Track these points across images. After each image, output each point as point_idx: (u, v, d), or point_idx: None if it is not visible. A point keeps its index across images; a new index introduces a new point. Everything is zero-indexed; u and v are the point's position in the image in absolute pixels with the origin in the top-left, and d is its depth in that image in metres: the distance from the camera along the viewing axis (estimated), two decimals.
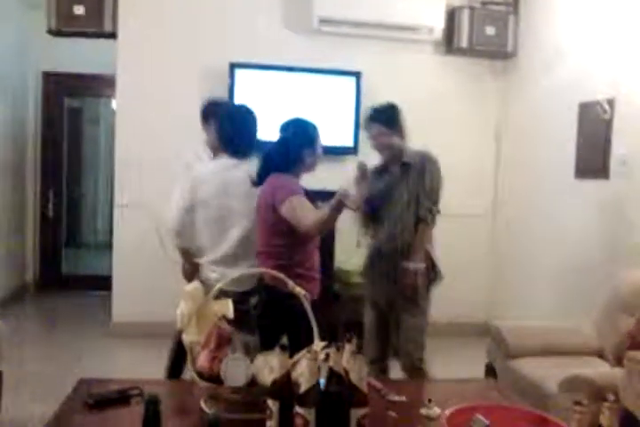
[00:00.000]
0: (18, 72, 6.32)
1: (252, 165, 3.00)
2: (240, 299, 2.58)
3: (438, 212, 3.35)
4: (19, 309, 5.97)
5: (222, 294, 2.68)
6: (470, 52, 5.43)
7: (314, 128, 3.02)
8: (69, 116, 6.98)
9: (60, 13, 4.83)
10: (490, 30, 5.35)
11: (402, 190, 3.35)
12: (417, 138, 5.32)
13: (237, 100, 5.05)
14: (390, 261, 3.34)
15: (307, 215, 2.65)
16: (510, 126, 5.51)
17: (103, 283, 5.40)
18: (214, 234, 3.03)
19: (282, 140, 2.94)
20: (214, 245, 3.03)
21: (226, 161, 3.07)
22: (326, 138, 5.13)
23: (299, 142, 2.91)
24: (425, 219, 3.31)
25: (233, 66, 5.08)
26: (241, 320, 3.08)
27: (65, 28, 4.88)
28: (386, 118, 3.45)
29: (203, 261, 3.09)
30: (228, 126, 3.11)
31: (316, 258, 2.92)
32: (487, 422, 1.06)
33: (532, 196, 5.07)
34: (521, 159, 5.30)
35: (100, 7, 4.90)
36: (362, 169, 2.78)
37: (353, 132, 5.29)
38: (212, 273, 2.99)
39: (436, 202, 3.35)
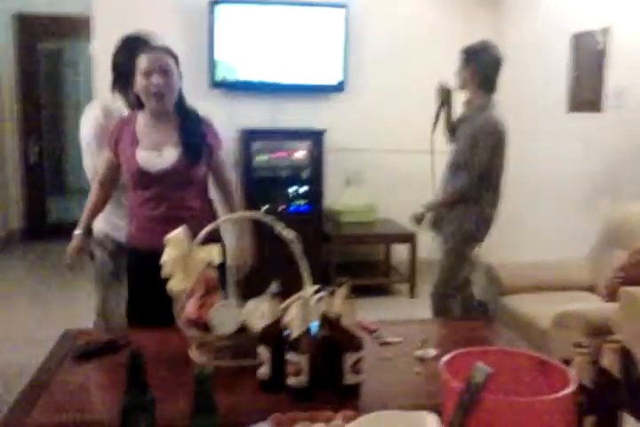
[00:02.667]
0: None
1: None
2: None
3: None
4: (6, 258, 5.92)
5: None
6: None
7: None
8: (46, 60, 6.73)
9: None
10: None
11: None
12: (405, 71, 5.24)
13: (218, 38, 4.87)
14: None
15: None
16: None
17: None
18: None
19: None
20: None
21: None
22: (311, 75, 5.08)
23: None
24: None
25: (213, 2, 4.86)
26: None
27: None
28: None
29: None
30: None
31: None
32: (488, 369, 1.01)
33: (524, 131, 4.98)
34: (512, 93, 5.17)
35: None
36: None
37: (341, 68, 5.12)
38: None
39: None
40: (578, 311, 2.80)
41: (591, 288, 3.46)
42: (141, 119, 2.40)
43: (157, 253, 2.27)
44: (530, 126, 4.75)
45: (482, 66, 3.25)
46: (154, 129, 2.38)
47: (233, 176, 2.59)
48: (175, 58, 2.37)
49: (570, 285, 3.48)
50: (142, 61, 2.30)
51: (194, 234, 2.03)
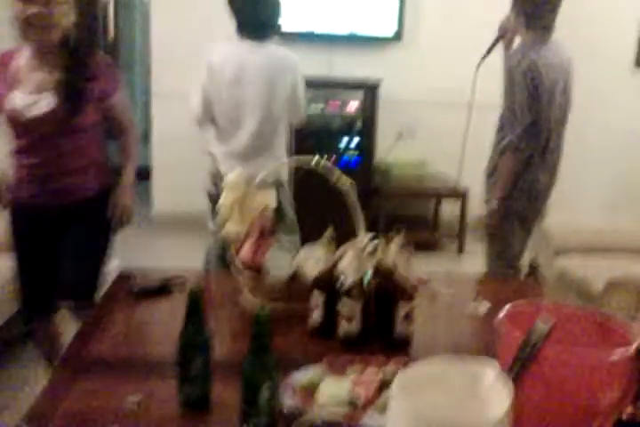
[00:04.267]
0: None
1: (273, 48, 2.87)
2: None
3: None
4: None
5: None
6: None
7: None
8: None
9: None
10: None
11: None
12: (464, 22, 5.05)
13: None
14: None
15: None
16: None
17: (143, 173, 5.38)
18: (227, 124, 2.84)
19: None
20: (228, 137, 2.86)
21: (241, 44, 2.82)
22: (366, 25, 4.93)
23: None
24: None
25: None
26: None
27: None
28: None
29: (215, 151, 2.93)
30: (240, 4, 2.78)
31: None
32: (552, 320, 0.99)
33: (585, 85, 4.80)
34: (574, 43, 4.98)
35: None
36: None
37: (397, 17, 4.97)
38: (221, 166, 2.87)
39: None
40: (634, 275, 2.73)
41: None
42: (24, 55, 2.12)
43: (31, 205, 2.16)
44: (592, 81, 4.56)
45: (528, 5, 2.82)
46: (37, 68, 2.10)
47: (132, 123, 2.35)
48: None
49: (626, 247, 3.40)
50: None
51: (79, 187, 2.01)
